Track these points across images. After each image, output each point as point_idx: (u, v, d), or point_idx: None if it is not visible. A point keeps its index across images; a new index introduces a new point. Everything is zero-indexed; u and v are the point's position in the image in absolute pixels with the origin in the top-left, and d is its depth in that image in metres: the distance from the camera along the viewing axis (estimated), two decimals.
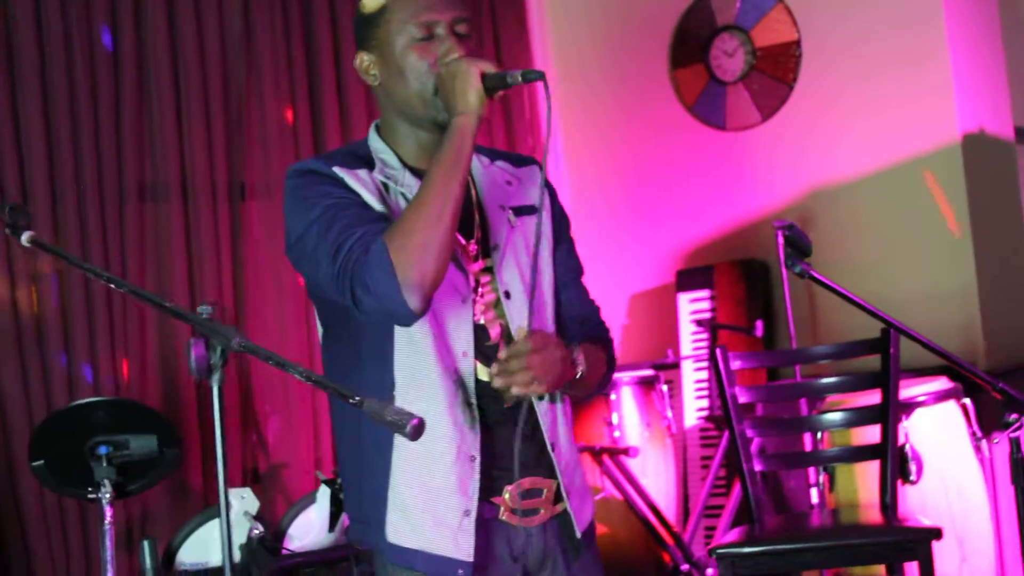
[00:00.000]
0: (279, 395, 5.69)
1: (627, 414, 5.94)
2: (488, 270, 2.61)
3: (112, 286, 2.52)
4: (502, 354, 2.44)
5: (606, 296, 6.96)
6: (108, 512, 3.96)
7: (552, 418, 2.63)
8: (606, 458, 5.65)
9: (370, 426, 2.38)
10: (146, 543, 3.93)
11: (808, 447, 4.71)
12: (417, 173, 2.58)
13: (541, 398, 2.58)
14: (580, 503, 2.69)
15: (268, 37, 5.85)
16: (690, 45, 6.62)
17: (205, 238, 5.56)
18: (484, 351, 2.56)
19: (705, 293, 6.38)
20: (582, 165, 7.15)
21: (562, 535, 2.65)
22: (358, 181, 2.54)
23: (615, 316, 7.00)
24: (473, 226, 2.62)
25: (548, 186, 2.69)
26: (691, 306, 6.40)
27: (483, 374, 2.55)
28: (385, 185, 2.58)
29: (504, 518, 2.56)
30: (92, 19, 5.36)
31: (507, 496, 2.56)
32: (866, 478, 4.32)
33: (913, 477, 4.27)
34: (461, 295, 2.55)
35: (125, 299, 5.30)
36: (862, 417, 4.20)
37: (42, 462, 4.08)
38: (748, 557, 3.82)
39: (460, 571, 2.49)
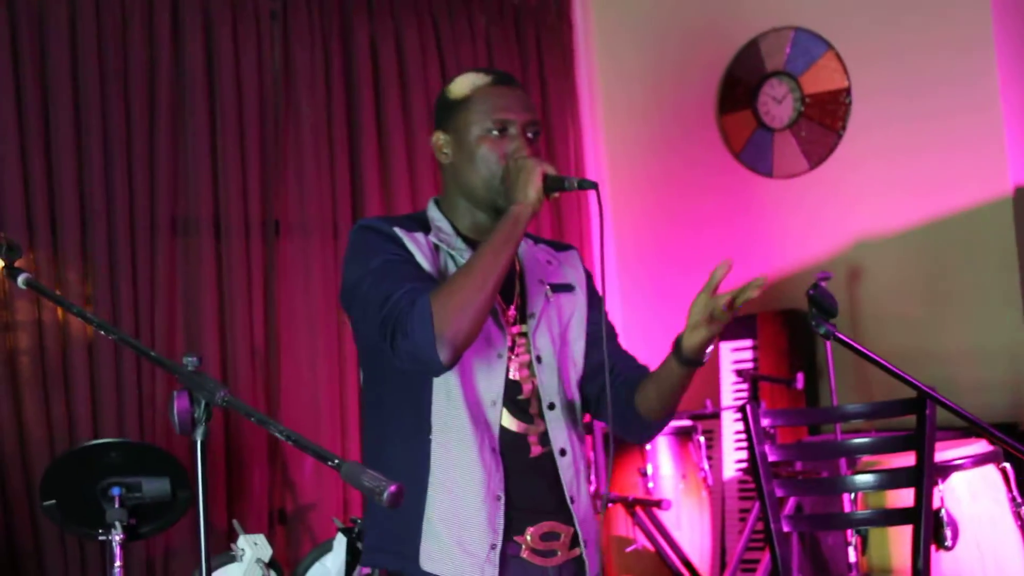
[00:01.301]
0: (309, 434, 5.59)
1: (662, 465, 5.83)
2: (523, 334, 2.90)
3: (103, 333, 2.47)
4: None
5: (649, 343, 6.87)
6: (118, 554, 3.90)
7: (573, 472, 2.91)
8: (639, 509, 5.54)
9: (404, 466, 2.75)
10: None
11: (847, 507, 4.57)
12: (468, 241, 2.89)
13: (563, 454, 2.89)
14: (594, 553, 2.93)
15: (307, 73, 5.83)
16: (738, 91, 6.53)
17: (237, 274, 5.51)
18: (517, 404, 2.86)
19: (747, 343, 6.26)
20: (628, 210, 7.08)
21: None
22: (414, 243, 2.83)
23: (656, 363, 6.88)
24: (514, 294, 2.92)
25: (587, 271, 3.12)
26: (733, 355, 6.28)
27: (508, 422, 2.84)
28: (436, 247, 2.86)
29: (525, 556, 2.81)
30: (128, 50, 5.34)
31: (528, 537, 2.81)
32: (900, 542, 4.16)
33: (948, 543, 4.10)
34: (496, 351, 2.83)
35: (153, 334, 5.26)
36: (895, 479, 4.05)
37: (54, 502, 4.02)
38: None
39: None
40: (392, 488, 2.10)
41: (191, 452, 4.60)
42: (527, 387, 2.87)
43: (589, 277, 3.15)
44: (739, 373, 6.00)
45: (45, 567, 4.96)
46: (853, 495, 4.44)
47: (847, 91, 6.14)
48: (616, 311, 7.09)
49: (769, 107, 6.42)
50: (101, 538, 3.95)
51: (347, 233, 5.76)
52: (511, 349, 2.86)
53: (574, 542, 2.88)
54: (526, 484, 2.82)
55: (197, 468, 2.29)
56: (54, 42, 5.17)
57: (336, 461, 2.17)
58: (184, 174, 5.49)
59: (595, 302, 3.09)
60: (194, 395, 2.30)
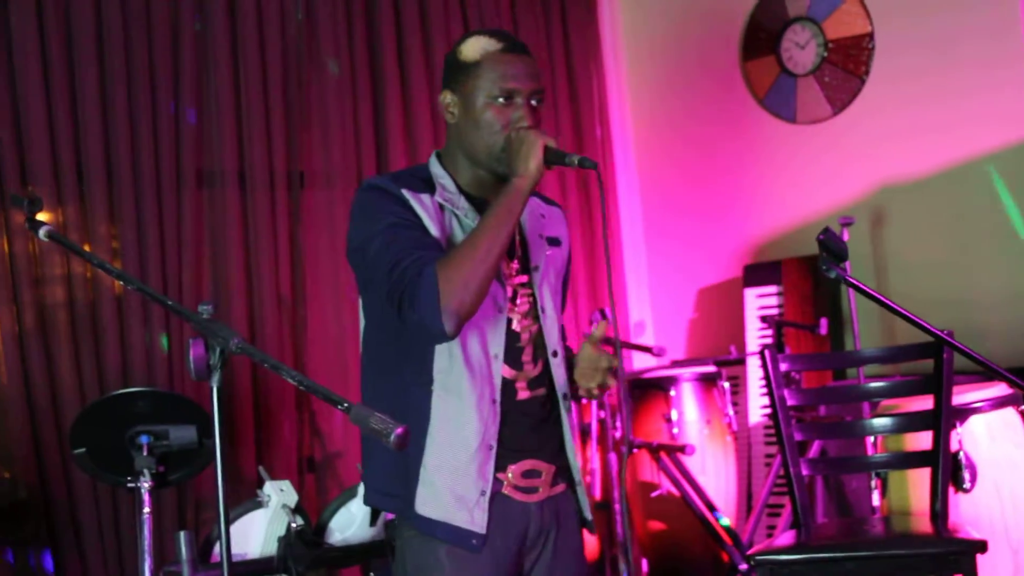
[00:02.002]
0: (338, 384, 5.67)
1: (687, 410, 5.87)
2: (526, 285, 3.00)
3: (122, 283, 2.52)
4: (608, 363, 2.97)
5: (673, 290, 6.93)
6: (147, 500, 3.95)
7: (572, 419, 3.07)
8: (663, 455, 5.58)
9: (404, 415, 2.79)
10: (182, 534, 3.90)
11: (871, 452, 4.61)
12: (471, 199, 2.97)
13: (566, 398, 3.03)
14: (586, 494, 3.13)
15: (330, 25, 5.84)
16: (761, 37, 6.52)
17: (262, 225, 5.56)
18: (513, 352, 2.95)
19: (773, 289, 6.28)
20: (652, 156, 7.10)
21: (559, 515, 3.02)
22: (421, 205, 2.89)
23: (682, 310, 6.93)
24: (515, 246, 2.99)
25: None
26: (758, 301, 6.31)
27: (503, 371, 2.93)
28: (441, 207, 2.92)
29: (507, 492, 2.93)
30: (151, 3, 5.36)
31: (510, 474, 2.93)
32: (919, 485, 4.19)
33: (967, 485, 4.13)
34: (498, 306, 2.92)
35: (180, 286, 5.31)
36: (912, 423, 4.09)
37: (84, 450, 4.07)
38: (786, 565, 3.73)
39: (474, 541, 2.87)
40: (399, 430, 2.16)
41: (234, 395, 4.63)
42: (524, 336, 2.97)
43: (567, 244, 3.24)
44: (764, 319, 6.02)
45: (78, 514, 5.04)
46: (874, 439, 4.47)
47: (870, 36, 6.12)
48: (641, 258, 7.12)
49: (792, 53, 6.41)
50: (130, 485, 3.99)
51: None
52: (512, 300, 2.96)
53: (556, 479, 3.01)
54: (511, 427, 2.92)
55: (214, 415, 2.33)
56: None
57: (345, 404, 2.23)
58: (208, 126, 5.53)
59: (568, 265, 3.21)
60: (209, 342, 2.34)
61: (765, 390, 6.06)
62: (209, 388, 2.39)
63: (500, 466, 2.91)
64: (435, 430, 2.86)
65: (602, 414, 5.53)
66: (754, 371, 6.19)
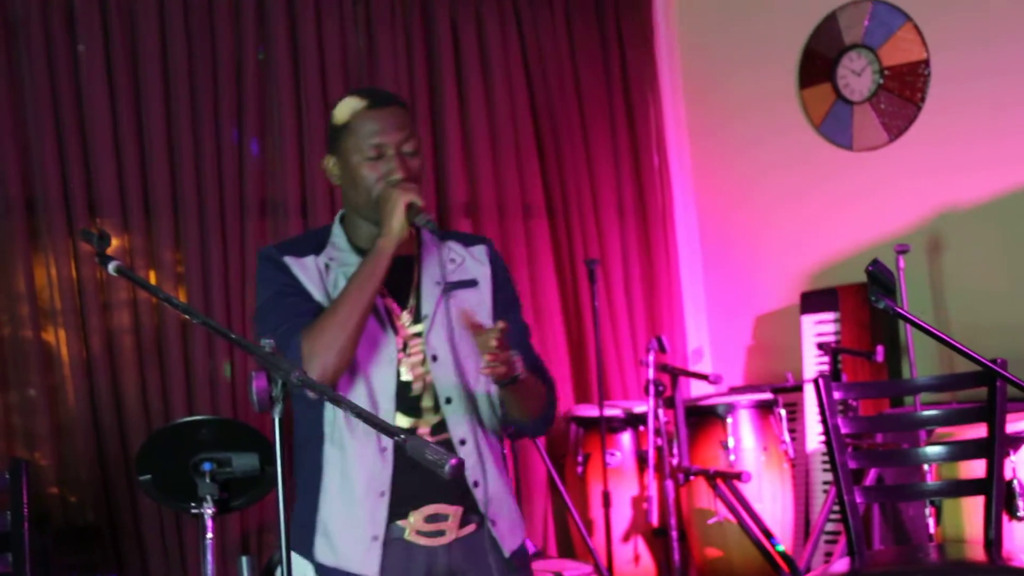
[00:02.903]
0: None
1: (743, 437, 5.88)
2: (418, 335, 3.04)
3: (187, 317, 2.61)
4: (492, 342, 2.83)
5: (731, 317, 6.95)
6: (210, 526, 4.04)
7: (476, 458, 3.06)
8: (720, 482, 5.60)
9: (306, 471, 3.02)
10: (244, 559, 3.99)
11: (929, 479, 4.63)
12: (364, 253, 3.00)
13: (463, 443, 3.03)
14: (510, 529, 3.11)
15: (390, 56, 5.94)
16: (818, 64, 6.55)
17: None
18: (408, 401, 3.02)
19: (830, 316, 6.29)
20: (709, 184, 7.13)
21: (473, 556, 3.04)
22: (303, 269, 3.02)
23: (739, 338, 6.95)
24: (409, 296, 3.07)
25: (498, 264, 3.21)
26: (815, 328, 6.32)
27: (399, 420, 3.01)
28: (327, 266, 3.03)
29: (410, 538, 2.99)
30: (216, 39, 5.50)
31: (412, 519, 2.98)
32: (973, 512, 4.21)
33: (1020, 513, 4.15)
34: (387, 355, 2.99)
35: (244, 314, 5.41)
36: (966, 451, 4.10)
37: (149, 477, 4.17)
38: None
39: None
40: (453, 461, 2.22)
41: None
42: (417, 384, 3.02)
43: (502, 270, 3.24)
44: (820, 346, 6.03)
45: (144, 539, 5.16)
46: (928, 467, 4.48)
47: (926, 63, 6.14)
48: (698, 284, 7.15)
49: (848, 80, 6.44)
50: (194, 511, 4.08)
51: (431, 213, 5.90)
52: (403, 350, 3.01)
53: (465, 520, 3.03)
54: (414, 474, 2.91)
55: (276, 445, 2.40)
56: (144, 32, 5.33)
57: (402, 436, 2.29)
58: (272, 158, 5.64)
59: (507, 300, 3.21)
60: (271, 375, 2.41)
61: (820, 418, 6.11)
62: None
63: (400, 513, 2.98)
64: (327, 481, 2.99)
65: (659, 441, 5.56)
66: (811, 398, 6.19)
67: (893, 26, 6.23)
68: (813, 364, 6.26)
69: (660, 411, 5.57)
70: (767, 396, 6.00)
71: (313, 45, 5.72)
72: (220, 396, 5.34)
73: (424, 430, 3.01)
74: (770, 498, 5.87)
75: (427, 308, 3.06)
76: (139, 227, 5.29)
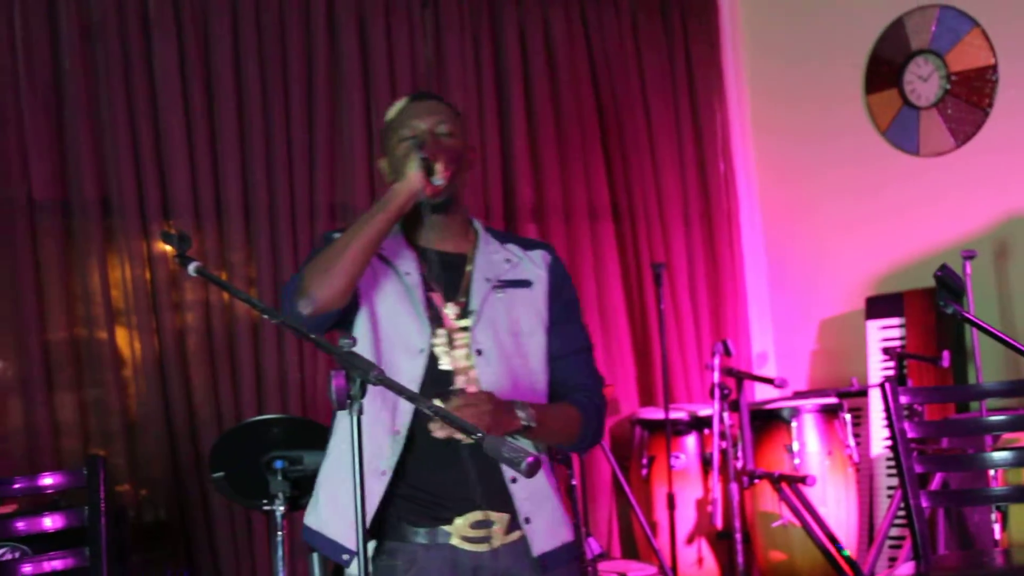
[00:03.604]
0: None
1: (808, 441, 5.90)
2: (464, 329, 3.05)
3: (266, 317, 2.67)
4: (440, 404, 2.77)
5: (796, 321, 6.96)
6: (281, 523, 4.12)
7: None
8: (784, 485, 5.62)
9: (336, 455, 3.04)
10: (315, 556, 4.06)
11: (995, 484, 4.64)
12: (422, 251, 3.10)
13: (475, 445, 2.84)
14: (547, 529, 3.07)
15: (458, 62, 6.02)
16: (884, 70, 6.56)
17: None
18: (448, 394, 2.91)
19: (896, 321, 6.30)
20: (774, 189, 7.15)
21: (520, 562, 3.03)
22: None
23: (804, 342, 6.96)
24: (459, 291, 3.10)
25: (557, 270, 3.22)
26: (880, 333, 6.32)
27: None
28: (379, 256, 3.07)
29: (455, 543, 2.98)
30: (287, 46, 5.58)
31: (457, 524, 2.98)
32: None
33: None
34: (418, 347, 3.01)
35: None
36: None
37: (222, 474, 4.24)
38: None
39: (345, 556, 3.00)
40: (530, 459, 2.26)
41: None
42: (460, 377, 3.01)
43: (561, 278, 3.24)
44: (886, 351, 6.05)
45: (215, 535, 5.24)
46: (993, 472, 4.49)
47: (994, 68, 6.13)
48: (763, 288, 7.16)
49: (915, 85, 6.44)
50: (265, 508, 4.16)
51: (498, 218, 5.96)
52: (448, 343, 3.02)
53: (513, 527, 3.03)
54: (452, 474, 2.96)
55: (352, 441, 2.45)
56: (217, 41, 5.42)
57: (479, 435, 2.33)
58: (341, 162, 5.71)
59: (566, 308, 3.21)
60: (350, 373, 2.47)
61: (886, 422, 6.12)
62: (347, 416, 2.53)
63: (448, 518, 2.98)
64: (332, 444, 3.10)
65: (724, 444, 5.59)
66: (876, 403, 6.20)
67: (961, 32, 6.23)
68: (878, 369, 6.26)
69: (725, 414, 5.60)
70: (832, 400, 6.02)
71: (383, 52, 5.80)
72: (290, 396, 5.41)
73: None
74: (834, 502, 5.88)
75: (475, 304, 3.08)
76: (211, 229, 5.38)
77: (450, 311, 3.06)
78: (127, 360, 5.24)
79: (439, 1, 6.01)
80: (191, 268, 2.82)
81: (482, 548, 3.00)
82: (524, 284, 3.16)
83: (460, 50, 6.02)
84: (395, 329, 3.00)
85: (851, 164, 6.72)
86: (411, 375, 2.98)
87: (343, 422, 3.00)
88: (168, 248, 2.96)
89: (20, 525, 3.78)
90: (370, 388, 2.70)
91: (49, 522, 3.75)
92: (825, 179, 6.86)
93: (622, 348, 6.47)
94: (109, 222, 5.22)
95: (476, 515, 2.99)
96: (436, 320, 3.03)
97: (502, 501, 3.01)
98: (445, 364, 3.02)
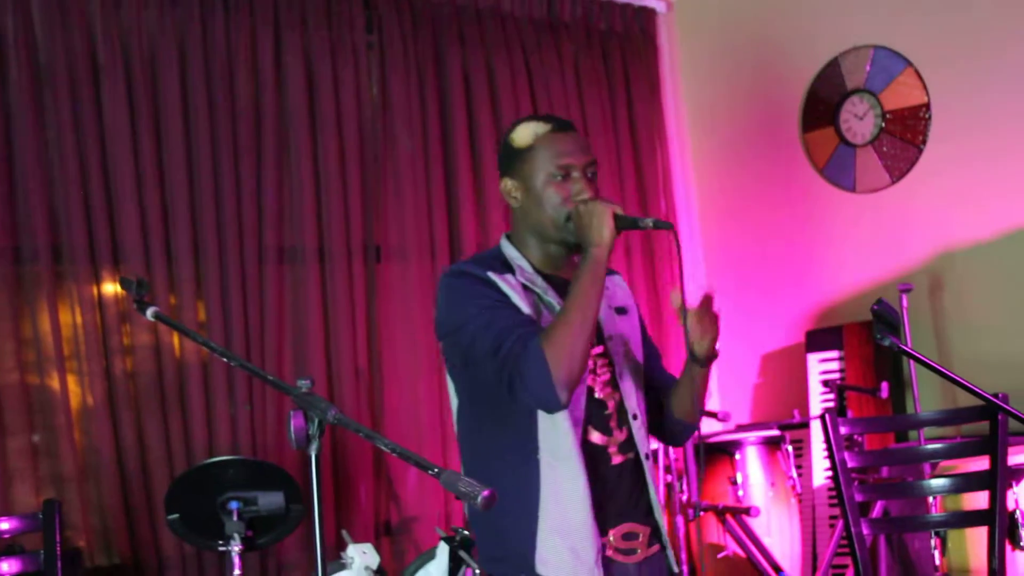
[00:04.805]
0: (412, 450, 5.81)
1: (751, 473, 6.00)
2: (603, 355, 3.15)
3: (224, 360, 2.72)
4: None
5: (738, 356, 7.07)
6: (237, 563, 4.17)
7: (654, 476, 3.23)
8: (729, 517, 5.71)
9: (515, 482, 3.01)
10: None
11: (934, 511, 4.74)
12: (547, 278, 3.15)
13: (648, 458, 3.19)
14: (673, 555, 3.25)
15: (403, 102, 6.09)
16: (820, 109, 6.70)
17: (341, 298, 5.78)
18: (602, 419, 3.12)
19: (835, 354, 6.41)
20: (714, 226, 7.27)
21: (657, 573, 3.17)
22: (508, 285, 3.07)
23: (746, 376, 7.06)
24: None
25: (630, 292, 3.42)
26: (821, 366, 6.44)
27: (593, 436, 3.10)
28: (524, 287, 3.09)
29: (610, 555, 3.08)
30: (234, 88, 5.62)
31: (611, 537, 3.08)
32: (978, 543, 4.32)
33: (1023, 543, 4.26)
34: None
35: (263, 360, 5.53)
36: (969, 483, 4.22)
37: (177, 515, 4.29)
38: None
39: None
40: (485, 493, 2.33)
41: (303, 467, 4.85)
42: (611, 403, 3.14)
43: (637, 306, 3.44)
44: (826, 383, 6.16)
45: None
46: (932, 499, 4.59)
47: (927, 106, 6.28)
48: None
49: (851, 124, 6.59)
50: (221, 549, 4.21)
51: (444, 256, 6.01)
52: (592, 371, 3.11)
53: (651, 540, 3.17)
54: (609, 491, 3.08)
55: (312, 480, 2.52)
56: (166, 86, 5.46)
57: (436, 469, 2.41)
58: (289, 204, 5.77)
59: (642, 325, 3.41)
60: (308, 414, 2.53)
61: (827, 453, 6.22)
62: (304, 456, 2.58)
63: (602, 529, 3.05)
64: (547, 493, 3.01)
65: (669, 478, 5.67)
66: (818, 434, 6.29)
67: (894, 71, 6.38)
68: (819, 401, 6.38)
69: (670, 449, 5.68)
70: (774, 433, 6.12)
71: (330, 93, 5.86)
72: (240, 437, 5.44)
73: (613, 449, 3.12)
74: (778, 532, 5.98)
75: (610, 329, 3.20)
76: (161, 273, 5.39)
77: None
78: (78, 404, 5.24)
79: (384, 42, 6.09)
80: (149, 313, 2.88)
81: (630, 560, 3.11)
82: (623, 311, 3.33)
83: (406, 90, 6.09)
84: None
85: (790, 201, 6.86)
86: (580, 403, 3.06)
87: (551, 464, 3.02)
88: (122, 292, 3.01)
89: None
90: (560, 427, 2.97)
91: (6, 566, 3.79)
92: (765, 216, 6.99)
93: None
94: (60, 268, 5.24)
95: (626, 526, 3.11)
96: None
97: (644, 514, 3.16)
98: (596, 391, 3.13)
